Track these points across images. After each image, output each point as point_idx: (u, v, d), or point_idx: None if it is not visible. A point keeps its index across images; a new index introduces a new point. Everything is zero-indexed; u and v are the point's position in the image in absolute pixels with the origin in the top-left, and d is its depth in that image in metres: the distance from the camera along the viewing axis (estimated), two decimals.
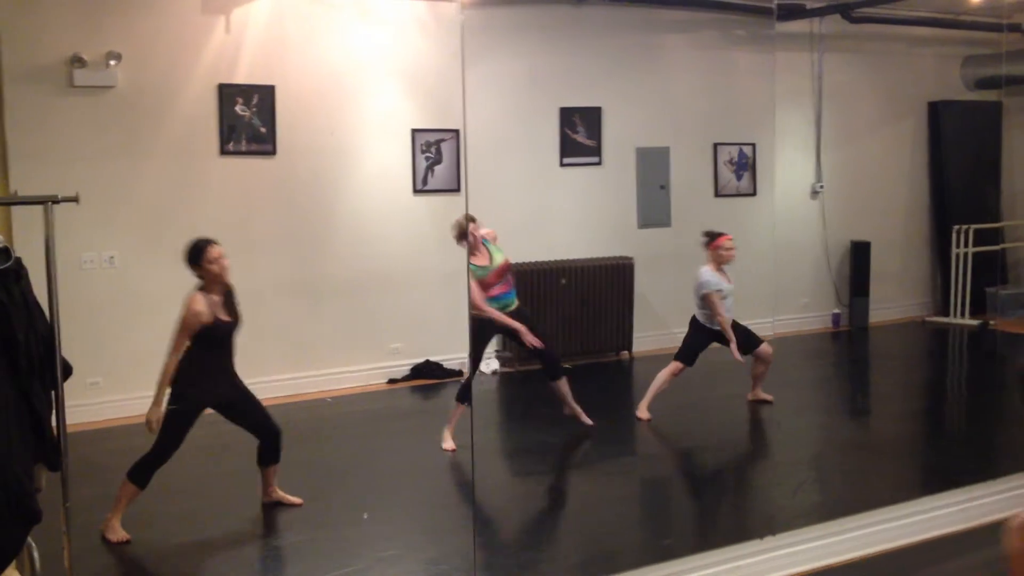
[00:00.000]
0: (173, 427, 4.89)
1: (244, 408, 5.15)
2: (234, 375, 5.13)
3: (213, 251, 4.98)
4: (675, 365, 7.01)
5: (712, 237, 7.01)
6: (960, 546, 4.78)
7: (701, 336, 7.02)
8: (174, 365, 4.87)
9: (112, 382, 7.21)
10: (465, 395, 6.32)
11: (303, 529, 5.07)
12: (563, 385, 6.66)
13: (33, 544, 3.64)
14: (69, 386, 3.77)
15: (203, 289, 4.98)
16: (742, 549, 4.50)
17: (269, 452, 5.23)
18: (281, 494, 5.29)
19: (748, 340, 7.03)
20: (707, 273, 6.91)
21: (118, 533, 4.85)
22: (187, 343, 4.91)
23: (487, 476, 5.91)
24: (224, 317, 5.00)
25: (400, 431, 7.09)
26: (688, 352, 7.03)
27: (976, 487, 5.17)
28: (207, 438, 5.75)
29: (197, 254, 4.99)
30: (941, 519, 4.93)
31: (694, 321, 7.05)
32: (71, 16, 6.97)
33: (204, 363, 4.97)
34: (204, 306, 4.91)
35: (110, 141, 7.13)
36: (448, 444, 6.31)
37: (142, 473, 4.89)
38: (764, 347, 7.09)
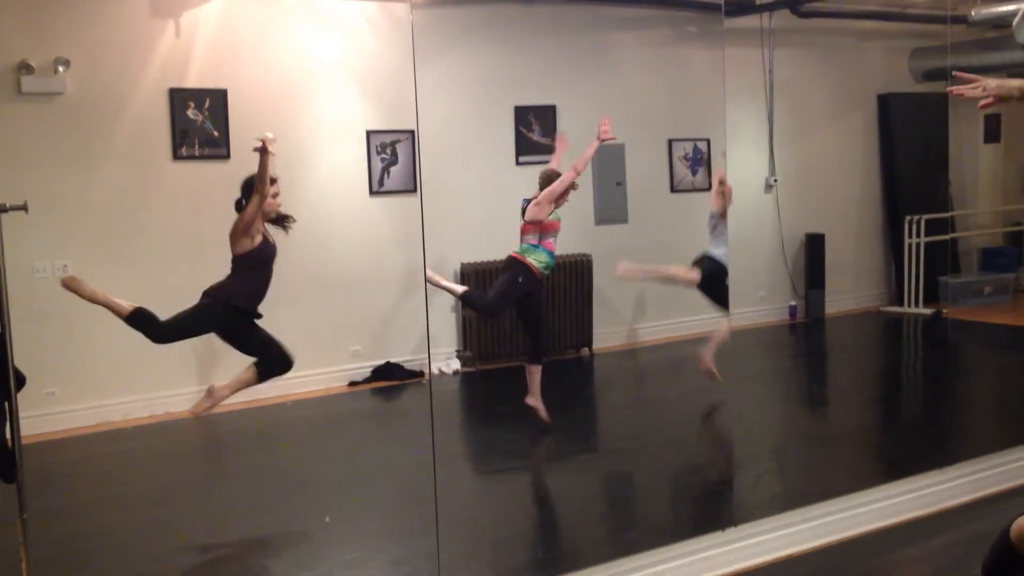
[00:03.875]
0: (197, 316, 5.08)
1: (257, 336, 5.33)
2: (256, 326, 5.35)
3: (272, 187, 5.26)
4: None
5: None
6: (917, 533, 4.85)
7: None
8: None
9: (68, 392, 7.12)
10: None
11: (265, 533, 5.04)
12: (538, 373, 6.66)
13: None
14: (24, 396, 3.73)
15: None
16: (705, 541, 4.53)
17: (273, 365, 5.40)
18: None
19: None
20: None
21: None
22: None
23: (450, 475, 5.91)
24: (269, 239, 5.36)
25: (362, 433, 7.07)
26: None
27: (931, 474, 5.25)
28: (171, 445, 5.70)
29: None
30: (898, 506, 5.00)
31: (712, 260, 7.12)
32: (17, 22, 6.86)
33: (243, 283, 5.23)
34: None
35: (60, 148, 7.04)
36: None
37: (150, 324, 5.00)
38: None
